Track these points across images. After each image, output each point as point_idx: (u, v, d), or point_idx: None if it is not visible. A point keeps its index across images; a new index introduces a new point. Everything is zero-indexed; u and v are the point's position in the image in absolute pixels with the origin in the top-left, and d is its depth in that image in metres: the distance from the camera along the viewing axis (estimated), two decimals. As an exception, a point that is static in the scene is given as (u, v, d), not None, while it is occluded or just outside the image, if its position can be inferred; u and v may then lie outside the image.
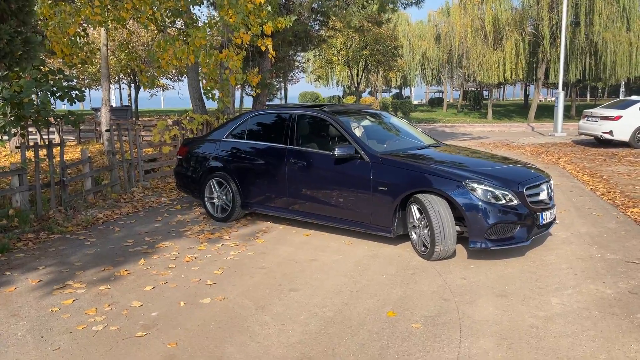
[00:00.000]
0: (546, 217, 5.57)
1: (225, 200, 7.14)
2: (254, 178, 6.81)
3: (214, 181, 7.21)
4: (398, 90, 58.59)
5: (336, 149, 5.86)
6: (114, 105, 29.87)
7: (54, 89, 10.61)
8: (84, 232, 6.85)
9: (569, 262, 5.41)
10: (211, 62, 10.30)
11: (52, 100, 11.11)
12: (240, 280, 5.00)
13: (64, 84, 10.84)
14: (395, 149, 6.35)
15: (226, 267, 5.38)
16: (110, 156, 9.17)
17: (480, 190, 5.25)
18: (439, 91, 59.42)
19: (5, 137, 11.14)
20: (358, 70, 33.64)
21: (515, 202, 5.31)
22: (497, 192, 5.27)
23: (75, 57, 10.56)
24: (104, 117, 14.38)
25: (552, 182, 6.02)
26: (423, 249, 5.52)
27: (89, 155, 8.71)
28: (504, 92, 72.00)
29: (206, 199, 7.36)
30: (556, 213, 6.11)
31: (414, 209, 5.56)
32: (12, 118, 10.31)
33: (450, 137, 21.61)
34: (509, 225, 5.31)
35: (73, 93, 11.25)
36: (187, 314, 4.25)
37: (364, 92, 46.76)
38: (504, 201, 5.27)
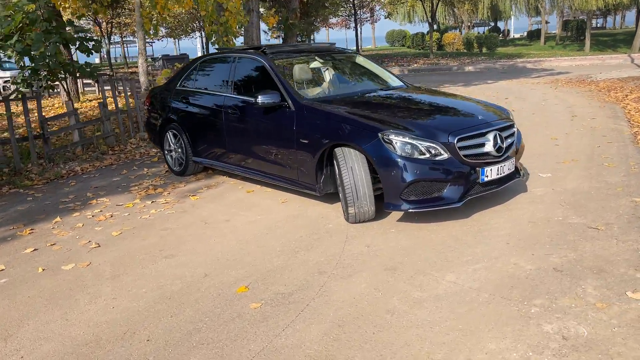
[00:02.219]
0: (491, 172, 4.60)
1: (180, 153, 6.77)
2: (201, 129, 6.34)
3: (169, 133, 6.85)
4: (493, 24, 54.19)
5: (259, 96, 5.20)
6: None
7: (64, 40, 10.72)
8: (41, 187, 6.83)
9: (514, 227, 4.46)
10: (210, 3, 9.76)
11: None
12: (127, 244, 4.65)
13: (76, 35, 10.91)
14: (335, 95, 5.56)
15: (130, 227, 5.05)
16: (101, 107, 9.09)
17: (398, 142, 4.40)
18: (545, 22, 54.19)
19: (26, 90, 11.56)
20: (432, 3, 31.24)
21: (444, 155, 4.41)
22: (420, 144, 4.40)
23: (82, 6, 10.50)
24: (141, 67, 14.45)
25: (512, 129, 4.97)
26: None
27: (75, 107, 8.67)
28: (622, 20, 64.32)
29: (165, 152, 7.05)
30: (519, 164, 5.09)
31: (336, 165, 4.84)
32: (29, 71, 10.57)
33: (525, 73, 19.64)
34: (435, 184, 4.45)
35: (90, 44, 11.35)
36: (33, 282, 3.98)
37: (440, 26, 43.63)
38: (427, 155, 4.39)
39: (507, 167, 4.74)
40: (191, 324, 3.25)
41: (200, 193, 6.06)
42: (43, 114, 8.12)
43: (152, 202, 5.84)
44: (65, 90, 11.64)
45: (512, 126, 4.97)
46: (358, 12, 36.75)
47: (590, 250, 3.93)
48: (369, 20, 43.80)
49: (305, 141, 4.99)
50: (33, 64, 10.55)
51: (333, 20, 40.63)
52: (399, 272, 3.78)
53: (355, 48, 32.55)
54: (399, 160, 4.36)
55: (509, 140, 4.86)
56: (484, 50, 33.93)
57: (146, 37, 12.46)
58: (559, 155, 6.74)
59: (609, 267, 3.63)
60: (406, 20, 44.05)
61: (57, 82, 11.70)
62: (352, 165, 4.54)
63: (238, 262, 4.13)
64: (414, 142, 4.39)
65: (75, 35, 11.00)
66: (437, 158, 4.40)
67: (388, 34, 49.45)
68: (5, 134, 9.66)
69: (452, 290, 3.47)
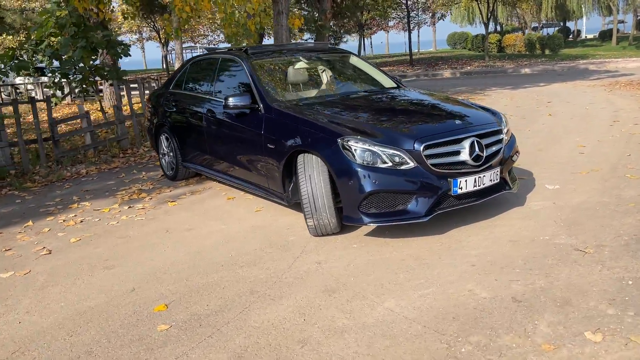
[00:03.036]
0: (466, 184, 4.07)
1: (172, 157, 6.59)
2: (187, 133, 6.13)
3: (162, 137, 6.68)
4: (562, 24, 51.57)
5: (230, 98, 4.90)
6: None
7: (93, 45, 10.87)
8: (38, 189, 6.84)
9: (490, 246, 3.93)
10: (228, 5, 9.61)
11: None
12: (77, 251, 4.47)
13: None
14: (313, 97, 5.18)
15: (91, 234, 4.88)
16: (115, 110, 9.11)
17: (358, 149, 3.97)
18: (620, 21, 51.07)
19: (59, 93, 11.84)
20: (488, 3, 29.98)
21: (410, 164, 3.93)
22: (382, 151, 3.94)
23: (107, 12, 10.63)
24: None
25: (498, 135, 4.41)
26: (311, 220, 4.43)
27: (86, 110, 8.73)
28: None
29: (160, 156, 6.90)
30: (506, 175, 4.51)
31: (295, 172, 4.47)
32: (60, 76, 10.80)
33: (584, 75, 18.39)
34: (399, 196, 3.98)
35: (119, 48, 11.49)
36: (-37, 290, 3.85)
37: (502, 28, 41.87)
38: (390, 164, 3.93)
39: (488, 178, 4.19)
40: (86, 346, 2.98)
41: (181, 199, 5.83)
42: (53, 116, 8.18)
43: (129, 207, 5.66)
44: (94, 92, 11.83)
45: (498, 132, 4.41)
46: (417, 14, 36.06)
47: (565, 277, 3.35)
48: (427, 23, 42.72)
49: (272, 146, 4.65)
50: (63, 68, 10.81)
51: (391, 22, 39.95)
52: (337, 294, 3.35)
53: (408, 51, 31.78)
54: (358, 168, 3.92)
55: (493, 148, 4.31)
56: (547, 52, 32.25)
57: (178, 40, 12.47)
58: (579, 165, 6.04)
59: (578, 299, 3.05)
60: (466, 21, 42.69)
61: (100, 86, 11.91)
62: (310, 173, 4.15)
63: (174, 276, 3.83)
64: (376, 149, 3.94)
65: (104, 40, 11.18)
66: (402, 167, 3.93)
67: (449, 36, 48.18)
68: (20, 137, 9.89)
69: (384, 319, 3.02)
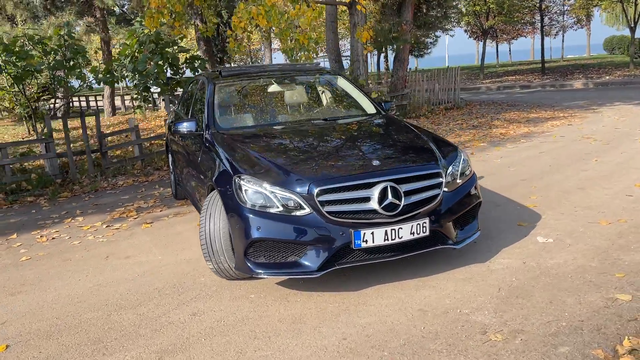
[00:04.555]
0: (373, 236, 3.44)
1: (173, 176, 6.62)
2: (174, 153, 6.11)
3: (170, 155, 6.74)
4: None
5: (177, 124, 4.75)
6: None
7: (169, 59, 11.46)
8: (64, 200, 7.25)
9: (389, 315, 3.29)
10: (282, 21, 9.51)
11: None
12: (9, 271, 4.57)
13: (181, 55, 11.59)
14: (263, 124, 4.82)
15: (44, 253, 4.99)
16: (165, 123, 9.42)
17: (249, 190, 3.55)
18: None
19: (143, 104, 12.65)
20: (636, 3, 26.39)
21: (305, 210, 3.43)
22: (277, 194, 3.48)
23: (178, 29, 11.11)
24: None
25: (434, 179, 3.69)
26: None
27: (136, 123, 9.13)
28: None
29: (170, 174, 6.96)
30: (447, 228, 3.76)
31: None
32: (142, 89, 11.56)
33: None
34: (290, 245, 3.49)
35: (196, 63, 11.98)
36: None
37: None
38: (281, 208, 3.47)
39: (407, 231, 3.51)
40: None
41: (159, 221, 5.79)
42: (102, 130, 8.68)
43: (107, 226, 5.74)
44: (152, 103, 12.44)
45: (433, 176, 3.69)
46: (552, 18, 33.10)
47: (426, 373, 2.65)
48: (573, 27, 38.99)
49: (202, 177, 4.40)
50: (139, 81, 11.55)
51: (526, 27, 37.15)
52: (168, 358, 3.00)
53: (541, 59, 29.25)
54: (245, 212, 3.51)
55: (421, 195, 3.60)
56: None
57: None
58: (609, 212, 4.94)
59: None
60: (619, 24, 38.25)
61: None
62: (212, 211, 3.81)
63: (53, 312, 3.71)
64: (268, 191, 3.50)
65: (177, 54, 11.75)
66: (296, 213, 3.43)
67: (606, 40, 43.59)
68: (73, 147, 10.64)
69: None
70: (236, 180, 3.60)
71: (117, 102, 24.02)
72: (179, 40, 12.18)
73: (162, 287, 3.97)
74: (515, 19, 29.12)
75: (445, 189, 3.74)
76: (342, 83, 5.50)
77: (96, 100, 30.25)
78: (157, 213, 6.13)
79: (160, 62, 11.17)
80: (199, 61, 12.05)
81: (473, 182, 3.99)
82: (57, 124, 13.64)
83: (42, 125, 9.85)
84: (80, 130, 8.85)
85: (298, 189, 3.44)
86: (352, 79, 12.06)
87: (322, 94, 5.43)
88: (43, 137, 8.12)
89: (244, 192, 3.54)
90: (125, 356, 3.02)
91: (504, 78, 29.34)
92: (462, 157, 4.02)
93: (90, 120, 12.22)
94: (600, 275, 3.62)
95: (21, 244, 5.34)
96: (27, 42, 9.84)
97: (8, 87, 10.46)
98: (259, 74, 5.50)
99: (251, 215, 3.46)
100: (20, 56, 9.58)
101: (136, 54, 11.58)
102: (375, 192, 3.44)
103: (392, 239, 3.47)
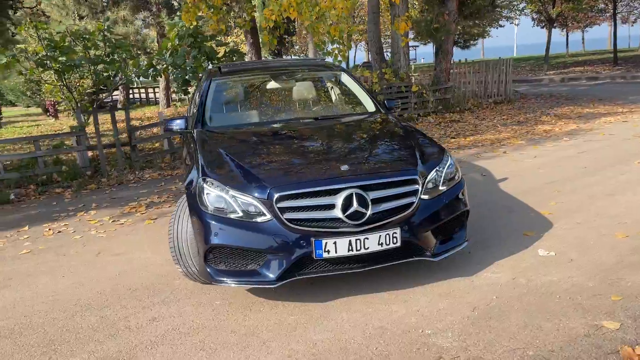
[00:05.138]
0: (335, 247, 3.23)
1: (186, 172, 6.61)
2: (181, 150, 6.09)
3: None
4: None
5: (168, 122, 4.71)
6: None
7: (207, 53, 11.52)
8: (86, 193, 7.42)
9: (337, 336, 3.08)
10: (314, 13, 9.33)
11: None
12: (5, 264, 4.68)
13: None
14: (250, 123, 4.67)
15: (44, 247, 5.07)
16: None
17: (211, 194, 3.43)
18: None
19: (182, 96, 12.79)
20: None
21: (266, 216, 3.27)
22: (238, 199, 3.33)
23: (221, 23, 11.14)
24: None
25: (409, 186, 3.42)
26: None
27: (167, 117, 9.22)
28: None
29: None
30: (425, 238, 3.48)
31: None
32: (181, 82, 11.74)
33: None
34: (250, 253, 3.34)
35: (235, 56, 12.01)
36: None
37: None
38: (240, 214, 3.32)
39: (375, 241, 3.27)
40: None
41: (162, 217, 5.79)
42: (131, 124, 8.83)
43: (114, 221, 5.79)
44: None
45: (409, 182, 3.42)
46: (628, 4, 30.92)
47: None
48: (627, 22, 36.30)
49: (184, 177, 4.31)
50: (177, 75, 11.68)
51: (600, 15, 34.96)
52: (109, 365, 2.93)
53: (613, 48, 27.44)
54: (205, 216, 3.39)
55: (392, 204, 3.34)
56: None
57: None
58: (629, 223, 4.50)
59: None
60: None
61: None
62: (180, 213, 3.72)
63: (21, 308, 3.71)
64: (229, 195, 3.36)
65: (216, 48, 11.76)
66: (257, 219, 3.28)
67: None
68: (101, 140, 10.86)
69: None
70: (200, 182, 3.49)
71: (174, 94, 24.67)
72: (218, 34, 12.20)
73: (136, 288, 3.93)
74: (584, 6, 27.40)
75: (425, 196, 3.46)
76: (345, 79, 5.26)
77: (154, 92, 31.16)
78: (165, 209, 6.14)
79: (198, 56, 11.23)
80: (237, 54, 12.04)
81: (459, 189, 3.68)
82: (107, 117, 14.04)
83: (87, 117, 10.15)
84: (124, 124, 9.02)
85: (258, 194, 3.28)
86: (392, 71, 11.72)
87: (321, 91, 5.20)
88: (73, 129, 8.34)
89: (205, 195, 3.41)
90: (67, 362, 2.97)
91: (571, 69, 27.77)
92: (449, 162, 3.72)
93: (149, 111, 12.47)
94: (593, 297, 3.24)
95: (28, 236, 5.47)
96: (71, 38, 10.14)
97: (55, 81, 10.83)
98: (260, 70, 5.35)
99: (211, 221, 3.34)
100: (63, 51, 9.90)
101: (176, 48, 11.70)
102: (339, 199, 3.22)
103: (357, 250, 3.24)
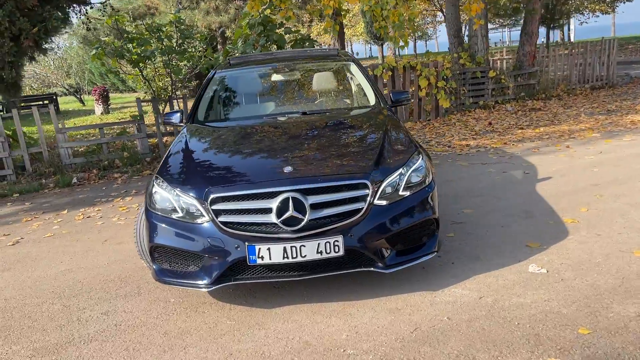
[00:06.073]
0: (269, 253, 3.06)
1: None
2: None
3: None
4: None
5: (168, 114, 4.77)
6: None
7: (276, 41, 11.61)
8: (139, 178, 7.79)
9: (264, 346, 2.94)
10: (372, -2, 9.03)
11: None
12: (21, 249, 5.02)
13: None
14: (238, 117, 4.60)
15: (67, 231, 5.39)
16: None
17: (160, 192, 3.40)
18: None
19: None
20: None
21: (204, 218, 3.20)
22: (179, 199, 3.28)
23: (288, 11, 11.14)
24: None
25: (361, 191, 3.15)
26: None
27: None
28: None
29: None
30: (378, 248, 3.20)
31: None
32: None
33: None
34: (189, 255, 3.29)
35: (306, 43, 12.00)
36: None
37: None
38: (181, 214, 3.28)
39: (313, 249, 3.06)
40: None
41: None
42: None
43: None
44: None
45: (357, 187, 3.15)
46: None
47: None
48: None
49: (169, 172, 4.35)
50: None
51: None
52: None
53: None
54: (150, 215, 3.39)
55: (336, 209, 3.11)
56: None
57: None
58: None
59: None
60: None
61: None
62: (142, 210, 3.76)
63: (5, 292, 3.96)
64: (172, 194, 3.32)
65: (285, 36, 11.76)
66: (197, 221, 3.21)
67: None
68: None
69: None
70: (153, 181, 3.48)
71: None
72: (285, 22, 12.18)
73: (112, 279, 4.03)
74: None
75: (382, 202, 3.18)
76: (354, 70, 4.98)
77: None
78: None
79: (266, 45, 11.32)
80: (308, 42, 11.96)
81: (425, 194, 3.33)
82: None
83: (163, 106, 10.65)
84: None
85: (196, 195, 3.20)
86: (468, 55, 11.03)
87: (323, 83, 4.96)
88: (135, 118, 8.78)
89: (154, 194, 3.40)
90: (7, 350, 3.11)
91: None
92: (416, 165, 3.38)
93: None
94: (557, 327, 2.80)
95: (61, 220, 5.85)
96: (147, 30, 10.65)
97: (136, 71, 11.47)
98: (268, 62, 5.22)
99: (154, 220, 3.33)
100: (139, 43, 10.44)
101: (247, 37, 11.89)
102: (275, 203, 3.04)
103: (293, 258, 3.06)
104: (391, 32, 9.24)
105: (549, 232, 4.13)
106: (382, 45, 32.91)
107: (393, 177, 3.26)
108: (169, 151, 3.85)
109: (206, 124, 4.44)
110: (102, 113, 20.06)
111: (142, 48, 10.43)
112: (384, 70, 10.05)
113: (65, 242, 5.07)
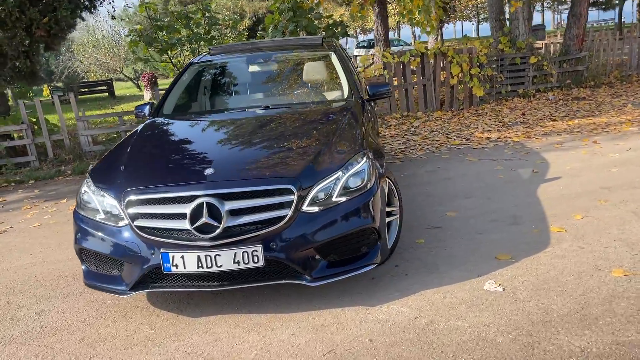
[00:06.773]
0: (184, 261, 2.88)
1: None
2: None
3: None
4: None
5: (138, 106, 4.67)
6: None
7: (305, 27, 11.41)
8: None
9: (197, 352, 2.78)
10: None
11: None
12: (8, 237, 5.12)
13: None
14: (197, 111, 4.43)
15: (55, 221, 5.45)
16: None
17: (87, 192, 3.25)
18: None
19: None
20: None
21: (125, 221, 3.06)
22: (102, 200, 3.16)
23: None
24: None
25: (285, 197, 2.90)
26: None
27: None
28: None
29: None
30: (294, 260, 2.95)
31: None
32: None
33: None
34: (109, 259, 3.16)
35: (336, 28, 11.73)
36: None
37: None
38: (103, 216, 3.14)
39: (230, 259, 2.85)
40: None
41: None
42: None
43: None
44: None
45: (282, 192, 2.89)
46: None
47: None
48: None
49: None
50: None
51: None
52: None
53: None
54: (75, 216, 3.30)
55: (256, 216, 2.87)
56: None
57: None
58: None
59: None
60: None
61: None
62: (83, 209, 3.66)
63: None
64: (95, 195, 3.19)
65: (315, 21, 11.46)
66: (118, 224, 3.07)
67: None
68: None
69: None
70: (85, 180, 3.37)
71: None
72: (315, 7, 11.85)
73: (65, 276, 3.99)
74: None
75: (312, 208, 2.93)
76: (334, 61, 4.66)
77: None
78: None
79: (295, 30, 11.08)
80: (339, 27, 11.62)
81: (362, 200, 3.03)
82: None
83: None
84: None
85: (115, 197, 3.06)
86: (509, 40, 10.38)
87: (298, 75, 4.67)
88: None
89: (82, 194, 3.29)
90: None
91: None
92: (356, 168, 3.08)
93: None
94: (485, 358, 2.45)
95: (56, 209, 5.92)
96: (176, 18, 10.69)
97: (168, 59, 11.54)
98: (248, 51, 4.99)
99: (78, 221, 3.23)
100: (168, 31, 10.50)
101: (277, 22, 11.69)
102: (189, 209, 2.85)
103: (208, 267, 2.86)
104: (418, 17, 8.76)
105: (528, 243, 3.71)
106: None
107: (327, 181, 2.98)
108: (112, 148, 3.72)
109: (169, 118, 4.28)
110: (150, 99, 20.53)
111: (170, 35, 10.47)
112: (412, 57, 9.57)
113: (47, 233, 5.10)
